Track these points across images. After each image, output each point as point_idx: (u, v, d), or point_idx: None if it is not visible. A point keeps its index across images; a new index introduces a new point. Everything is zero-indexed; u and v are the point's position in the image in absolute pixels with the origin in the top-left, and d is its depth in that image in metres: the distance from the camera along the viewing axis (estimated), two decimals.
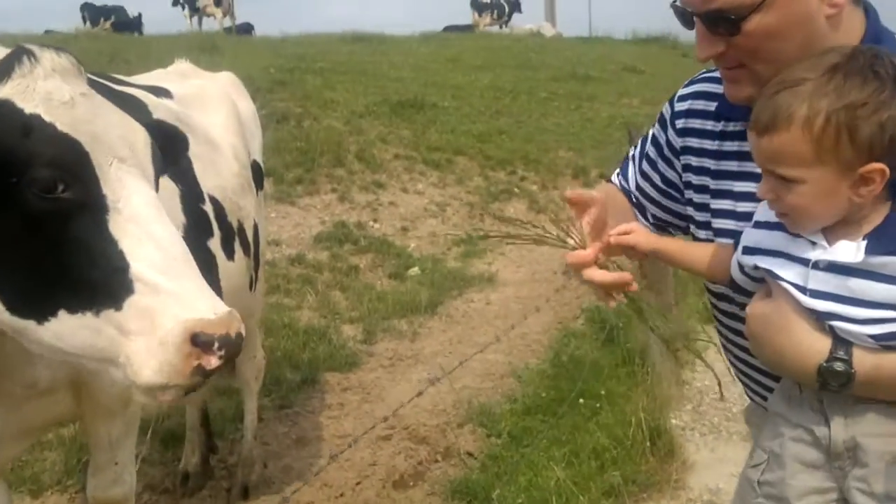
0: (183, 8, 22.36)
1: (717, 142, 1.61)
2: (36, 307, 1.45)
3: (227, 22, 22.30)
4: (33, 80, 1.47)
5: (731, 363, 1.76)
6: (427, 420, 4.30)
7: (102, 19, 21.94)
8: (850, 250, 1.29)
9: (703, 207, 1.64)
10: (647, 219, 1.83)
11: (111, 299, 1.39)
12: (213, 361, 1.37)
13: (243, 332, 1.43)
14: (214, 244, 2.67)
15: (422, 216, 8.57)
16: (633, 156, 1.88)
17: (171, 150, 1.80)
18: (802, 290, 1.33)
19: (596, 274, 1.54)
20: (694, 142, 1.66)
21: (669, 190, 1.76)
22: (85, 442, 3.06)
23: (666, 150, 1.75)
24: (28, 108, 1.44)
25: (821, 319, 1.32)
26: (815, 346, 1.32)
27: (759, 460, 1.48)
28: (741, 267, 1.46)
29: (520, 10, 27.58)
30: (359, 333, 5.68)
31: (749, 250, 1.43)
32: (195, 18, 22.41)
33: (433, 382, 3.76)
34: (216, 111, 3.06)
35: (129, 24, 22.26)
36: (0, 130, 1.41)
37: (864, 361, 1.29)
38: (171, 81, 3.04)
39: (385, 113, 11.00)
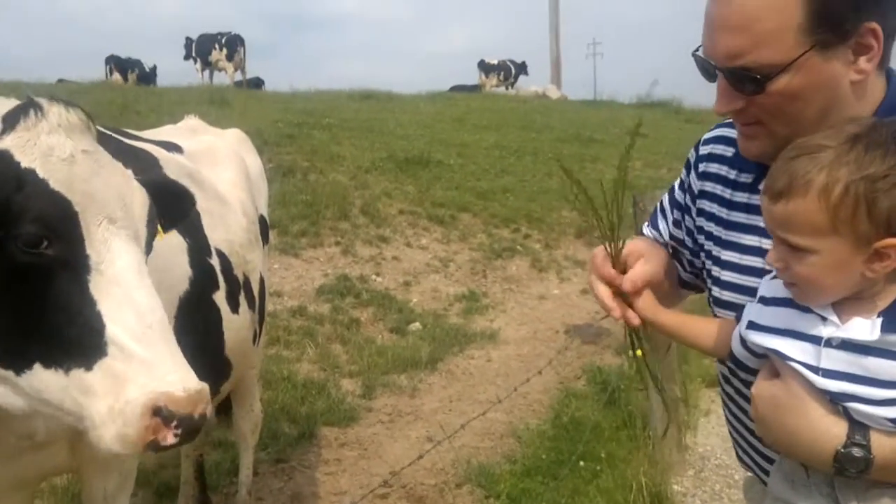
0: (195, 62, 22.85)
1: (729, 190, 1.60)
2: (15, 357, 1.45)
3: (238, 76, 22.77)
4: (36, 133, 1.49)
5: (732, 435, 1.73)
6: (425, 479, 4.24)
7: (129, 71, 22.45)
8: (865, 328, 1.24)
9: (711, 256, 1.63)
10: (684, 268, 1.78)
11: (83, 359, 1.39)
12: (168, 438, 1.35)
13: (209, 412, 1.41)
14: (220, 297, 2.68)
15: (424, 271, 8.60)
16: (663, 205, 1.83)
17: (177, 208, 1.82)
18: (814, 369, 1.26)
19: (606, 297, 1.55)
20: (710, 186, 1.65)
21: (699, 236, 1.71)
22: (77, 491, 3.02)
23: (687, 196, 1.74)
24: (25, 161, 1.46)
25: (835, 401, 1.25)
26: (832, 431, 1.25)
27: None
28: (743, 341, 1.40)
29: (526, 73, 28.19)
30: (358, 388, 5.65)
31: (754, 326, 1.37)
32: (206, 72, 22.88)
33: (434, 445, 3.70)
34: (225, 167, 3.11)
35: (147, 77, 22.74)
36: None
37: (883, 445, 1.22)
38: (181, 137, 3.10)
39: (391, 169, 11.14)
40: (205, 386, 1.41)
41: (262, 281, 3.10)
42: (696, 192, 1.69)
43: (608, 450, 4.24)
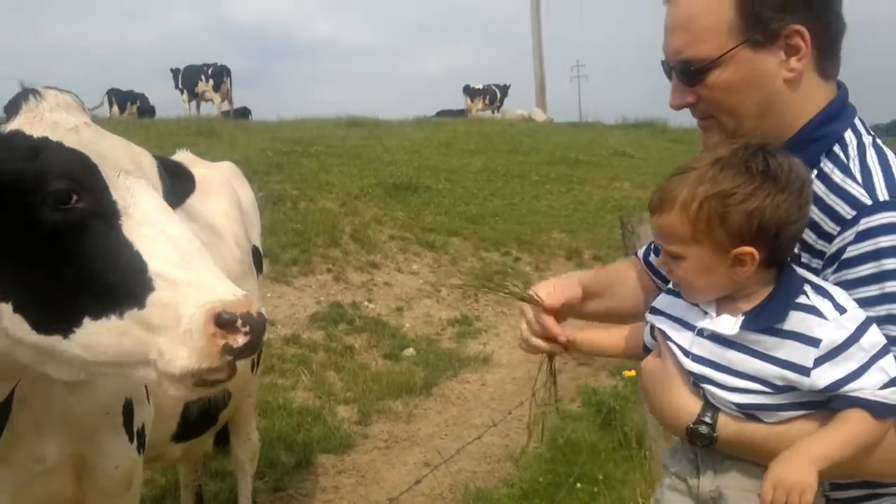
0: (182, 93, 22.90)
1: None
2: (61, 320, 1.49)
3: (226, 106, 22.83)
4: (40, 112, 1.61)
5: None
6: None
7: (129, 104, 22.53)
8: (728, 324, 1.41)
9: None
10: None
11: (134, 299, 1.44)
12: (239, 339, 1.39)
13: (264, 313, 1.46)
14: None
15: (416, 296, 8.62)
16: None
17: (177, 185, 1.88)
18: (686, 353, 1.46)
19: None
20: None
21: None
22: None
23: None
24: (36, 133, 1.56)
25: (696, 382, 1.44)
26: (689, 407, 1.44)
27: None
28: (652, 330, 1.59)
29: (506, 95, 28.28)
30: (354, 414, 5.64)
31: (654, 311, 1.57)
32: (193, 103, 22.94)
33: (431, 470, 3.71)
34: (218, 199, 3.15)
35: (149, 110, 22.82)
36: (12, 155, 1.51)
37: (727, 426, 1.40)
38: None
39: (380, 195, 11.19)
40: (250, 293, 1.47)
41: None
42: None
43: (605, 471, 4.25)
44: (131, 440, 2.15)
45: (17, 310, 1.51)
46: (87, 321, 1.48)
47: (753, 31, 1.43)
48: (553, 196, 13.30)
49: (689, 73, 1.49)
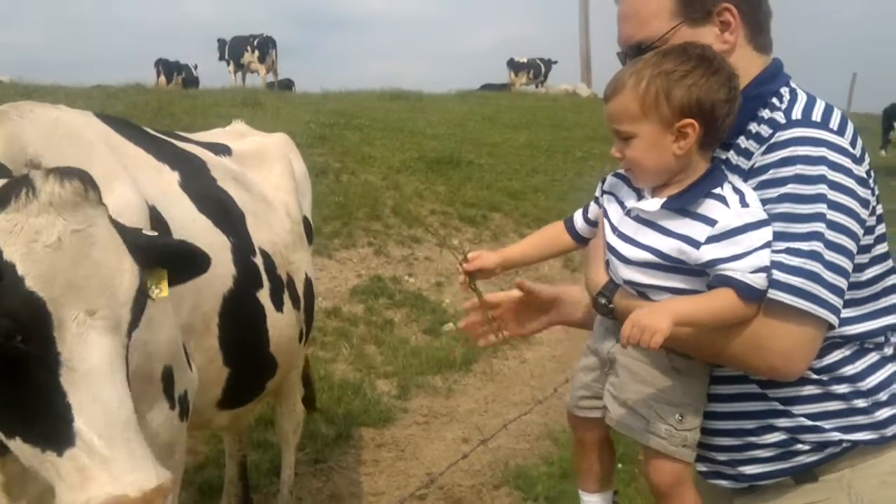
0: (228, 64, 23.07)
1: None
2: (3, 425, 1.54)
3: (270, 78, 22.95)
4: (25, 215, 1.46)
5: None
6: (462, 481, 4.24)
7: (175, 74, 22.76)
8: (652, 204, 1.62)
9: None
10: None
11: (55, 444, 1.46)
12: None
13: None
14: (263, 295, 2.71)
15: (457, 272, 8.54)
16: None
17: (191, 268, 1.85)
18: (614, 229, 1.71)
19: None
20: None
21: None
22: None
23: None
24: (7, 252, 1.45)
25: (609, 255, 1.70)
26: (598, 279, 1.73)
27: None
28: (585, 211, 1.87)
29: (550, 70, 27.89)
30: (393, 388, 5.66)
31: (603, 192, 1.81)
32: (239, 74, 23.10)
33: (474, 448, 3.70)
34: (271, 169, 3.15)
35: (193, 81, 23.09)
36: None
37: (621, 300, 1.68)
38: (230, 139, 3.14)
39: (421, 169, 11.14)
40: (164, 482, 1.46)
41: (307, 281, 3.12)
42: None
43: None
44: (172, 407, 2.17)
45: None
46: (19, 439, 1.52)
47: (691, 10, 1.68)
48: (596, 172, 13.09)
49: (640, 52, 1.69)
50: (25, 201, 1.47)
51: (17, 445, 1.54)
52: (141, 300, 1.62)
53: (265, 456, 4.33)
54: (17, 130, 1.77)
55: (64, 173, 1.53)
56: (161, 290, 1.76)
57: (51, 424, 1.46)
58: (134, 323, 1.61)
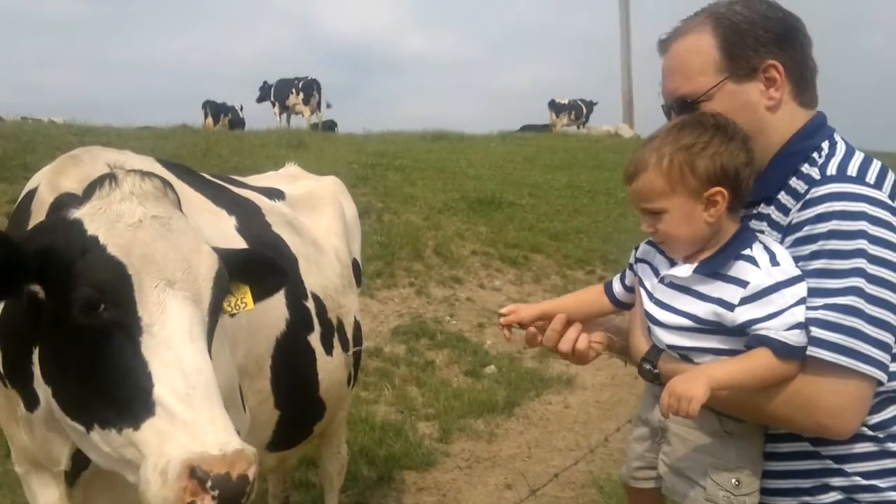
0: (273, 105, 23.62)
1: None
2: (82, 415, 1.56)
3: (314, 119, 23.41)
4: (108, 202, 1.59)
5: None
6: None
7: (222, 115, 23.40)
8: (684, 270, 1.65)
9: None
10: None
11: (132, 420, 1.47)
12: (206, 501, 1.38)
13: (251, 474, 1.44)
14: (314, 339, 2.74)
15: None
16: None
17: (269, 281, 1.90)
18: (650, 296, 1.73)
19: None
20: None
21: None
22: None
23: None
24: (91, 229, 1.55)
25: (649, 322, 1.71)
26: (641, 347, 1.73)
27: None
28: (623, 277, 1.89)
29: (591, 111, 27.93)
30: (435, 431, 5.62)
31: (637, 259, 1.84)
32: (284, 115, 23.61)
33: (524, 499, 3.64)
34: (322, 213, 3.21)
35: (240, 122, 23.69)
36: (66, 248, 1.53)
37: (665, 365, 1.67)
38: (283, 183, 3.20)
39: (463, 209, 11.20)
40: (246, 448, 1.44)
41: (356, 324, 3.15)
42: None
43: None
44: None
45: (54, 395, 1.61)
46: (96, 427, 1.54)
47: (736, 67, 1.69)
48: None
49: (685, 106, 1.72)
50: (109, 190, 1.61)
51: (94, 439, 1.54)
52: (222, 285, 1.67)
53: (307, 496, 4.31)
54: (90, 173, 1.84)
55: (144, 172, 1.66)
56: (246, 305, 1.82)
57: (130, 396, 1.47)
58: (215, 304, 1.65)
